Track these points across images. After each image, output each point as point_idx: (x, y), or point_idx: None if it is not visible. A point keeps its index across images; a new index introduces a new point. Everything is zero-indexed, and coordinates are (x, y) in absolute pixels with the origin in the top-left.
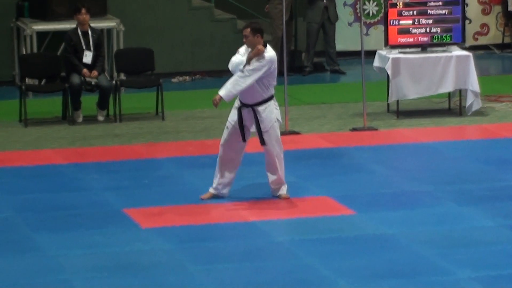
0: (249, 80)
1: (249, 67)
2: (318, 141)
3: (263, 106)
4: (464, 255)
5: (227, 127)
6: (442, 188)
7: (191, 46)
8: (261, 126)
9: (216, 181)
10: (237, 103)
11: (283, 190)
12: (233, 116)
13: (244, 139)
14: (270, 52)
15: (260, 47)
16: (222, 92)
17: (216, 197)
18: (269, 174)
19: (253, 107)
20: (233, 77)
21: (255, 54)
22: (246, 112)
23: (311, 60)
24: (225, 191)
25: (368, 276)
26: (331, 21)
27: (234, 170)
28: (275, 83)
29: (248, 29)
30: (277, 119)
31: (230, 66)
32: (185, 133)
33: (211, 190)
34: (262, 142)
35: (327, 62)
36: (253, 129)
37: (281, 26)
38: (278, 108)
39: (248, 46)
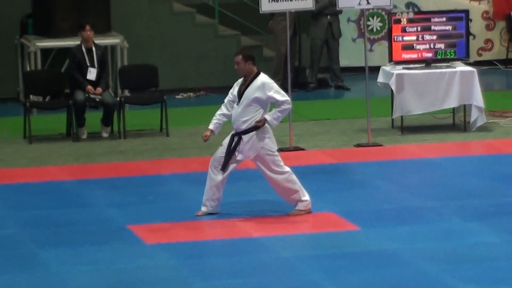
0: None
1: (278, 96)
2: (323, 157)
3: (249, 135)
4: (469, 271)
5: (221, 145)
6: (447, 204)
7: (195, 62)
8: (239, 156)
9: (205, 198)
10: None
11: (298, 206)
12: (226, 140)
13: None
14: (265, 77)
15: (261, 122)
16: (269, 117)
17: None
18: None
19: (240, 135)
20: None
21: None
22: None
23: (315, 76)
24: (217, 208)
25: None
26: (334, 37)
27: (221, 188)
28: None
29: (240, 56)
30: (263, 147)
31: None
32: (190, 149)
33: (204, 208)
34: (223, 167)
35: (331, 78)
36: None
37: (284, 42)
38: (268, 136)
39: (240, 73)
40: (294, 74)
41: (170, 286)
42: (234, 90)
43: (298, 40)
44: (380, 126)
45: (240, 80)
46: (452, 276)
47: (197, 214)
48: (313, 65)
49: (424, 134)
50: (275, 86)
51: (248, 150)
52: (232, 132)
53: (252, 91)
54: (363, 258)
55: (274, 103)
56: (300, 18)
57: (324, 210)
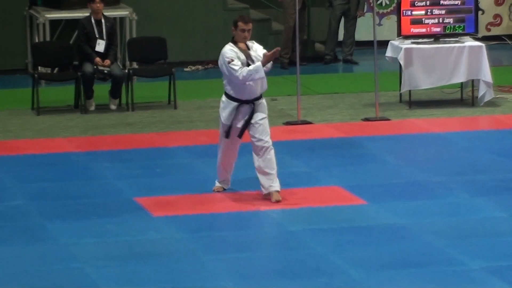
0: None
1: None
2: (330, 131)
3: (261, 100)
4: (476, 246)
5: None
6: (454, 179)
7: (204, 35)
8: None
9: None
10: (228, 103)
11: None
12: (228, 115)
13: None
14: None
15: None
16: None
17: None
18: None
19: (255, 100)
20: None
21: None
22: (245, 108)
23: (332, 49)
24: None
25: (379, 265)
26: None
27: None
28: None
29: (251, 24)
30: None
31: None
32: (198, 122)
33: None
34: (240, 135)
35: (342, 50)
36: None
37: (293, 16)
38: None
39: (246, 41)
40: (302, 47)
41: (177, 258)
42: (240, 58)
43: (307, 13)
44: (388, 101)
45: (234, 49)
46: (459, 250)
47: (215, 189)
48: (330, 38)
49: (432, 109)
50: None
51: (263, 109)
52: (236, 103)
53: (259, 53)
54: (370, 232)
55: None
56: None
57: (331, 184)
